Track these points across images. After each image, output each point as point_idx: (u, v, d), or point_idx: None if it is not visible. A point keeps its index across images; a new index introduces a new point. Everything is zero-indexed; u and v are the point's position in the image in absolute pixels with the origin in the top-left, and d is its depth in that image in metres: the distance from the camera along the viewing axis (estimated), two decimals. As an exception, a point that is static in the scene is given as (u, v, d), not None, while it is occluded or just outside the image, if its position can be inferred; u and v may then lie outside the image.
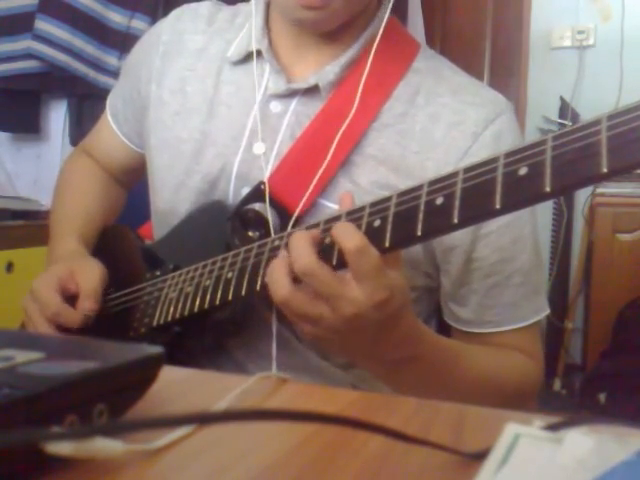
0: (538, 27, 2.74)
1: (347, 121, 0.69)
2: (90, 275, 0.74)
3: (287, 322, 0.61)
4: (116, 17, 1.92)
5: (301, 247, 0.51)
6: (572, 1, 2.66)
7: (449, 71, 0.75)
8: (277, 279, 0.52)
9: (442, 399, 0.44)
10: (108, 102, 0.94)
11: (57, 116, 2.09)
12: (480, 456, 0.30)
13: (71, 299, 0.74)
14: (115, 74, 1.87)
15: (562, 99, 2.65)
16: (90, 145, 0.98)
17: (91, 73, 1.92)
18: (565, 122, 2.59)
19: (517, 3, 2.77)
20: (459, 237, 0.68)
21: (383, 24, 0.71)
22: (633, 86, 2.52)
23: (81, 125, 1.97)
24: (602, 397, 2.09)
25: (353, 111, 0.69)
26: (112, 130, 0.92)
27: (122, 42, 1.90)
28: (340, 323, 0.51)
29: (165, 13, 0.88)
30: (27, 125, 2.06)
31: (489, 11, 2.82)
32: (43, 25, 1.83)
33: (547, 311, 0.74)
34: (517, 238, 0.70)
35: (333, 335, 0.53)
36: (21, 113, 2.04)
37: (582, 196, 2.53)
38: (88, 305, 0.72)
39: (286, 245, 0.57)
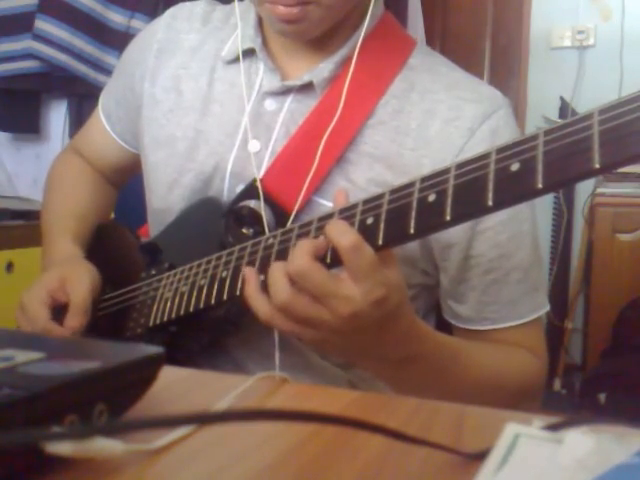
0: (538, 27, 2.74)
1: (335, 118, 0.69)
2: (80, 285, 0.74)
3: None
4: (116, 17, 1.92)
5: (296, 249, 0.51)
6: (572, 1, 2.66)
7: (445, 67, 0.75)
8: (276, 282, 0.51)
9: (444, 398, 0.44)
10: (100, 101, 0.93)
11: (57, 116, 2.09)
12: (480, 456, 0.30)
13: (63, 307, 0.74)
14: (115, 74, 1.87)
15: (562, 99, 2.65)
16: (81, 143, 0.98)
17: (91, 73, 1.91)
18: (565, 122, 2.58)
19: (517, 3, 2.77)
20: (457, 234, 0.68)
21: (374, 22, 0.72)
22: (633, 86, 2.50)
23: (81, 125, 1.96)
24: (602, 397, 2.08)
25: (340, 108, 0.69)
26: (104, 129, 0.92)
27: (122, 42, 1.89)
28: (339, 324, 0.51)
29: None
30: (27, 125, 2.06)
31: (489, 11, 2.82)
32: (43, 25, 1.83)
33: (547, 307, 0.74)
34: (516, 234, 0.70)
35: (333, 337, 0.53)
36: (21, 113, 2.03)
37: (582, 196, 2.53)
38: (75, 322, 0.72)
39: (280, 243, 0.57)
